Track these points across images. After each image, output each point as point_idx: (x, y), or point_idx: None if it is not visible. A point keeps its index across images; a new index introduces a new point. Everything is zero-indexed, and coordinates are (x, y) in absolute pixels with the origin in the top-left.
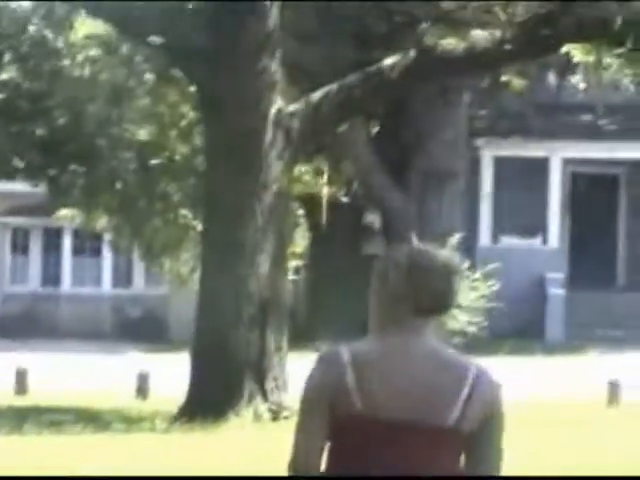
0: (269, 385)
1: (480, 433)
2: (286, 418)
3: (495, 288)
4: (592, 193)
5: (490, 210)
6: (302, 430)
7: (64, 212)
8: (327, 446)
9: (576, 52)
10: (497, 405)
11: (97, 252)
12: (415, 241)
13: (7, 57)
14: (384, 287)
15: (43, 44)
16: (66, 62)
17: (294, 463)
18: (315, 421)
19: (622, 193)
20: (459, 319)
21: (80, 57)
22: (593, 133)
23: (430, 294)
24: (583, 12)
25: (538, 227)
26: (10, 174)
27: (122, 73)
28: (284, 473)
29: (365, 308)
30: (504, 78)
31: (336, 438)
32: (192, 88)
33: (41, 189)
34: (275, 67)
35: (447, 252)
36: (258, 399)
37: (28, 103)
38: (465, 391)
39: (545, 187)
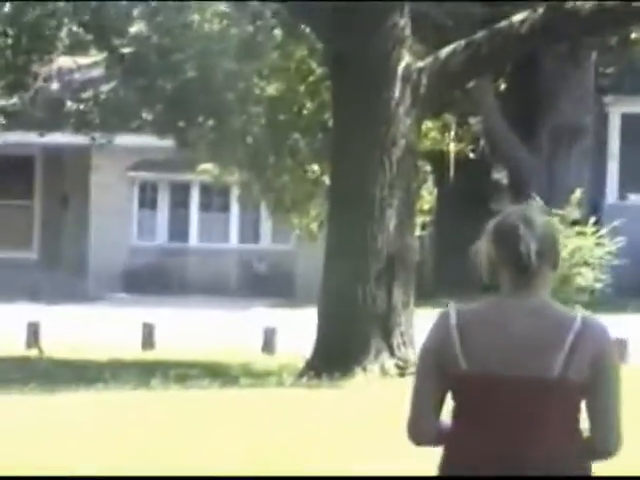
0: (396, 341)
1: (593, 385)
2: (413, 374)
3: (621, 245)
4: None
5: (617, 167)
6: (415, 393)
7: (196, 167)
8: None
9: None
10: (607, 355)
11: (225, 207)
12: (534, 200)
13: (136, 12)
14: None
15: None
16: (195, 16)
17: (408, 427)
18: (427, 384)
19: None
20: (585, 276)
21: (209, 12)
22: None
23: (518, 255)
24: None
25: None
26: (139, 128)
27: (251, 28)
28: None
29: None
30: (634, 35)
31: (453, 398)
32: (320, 44)
33: (169, 143)
34: (403, 23)
35: (539, 214)
36: (385, 355)
37: (157, 57)
38: (568, 341)
39: None
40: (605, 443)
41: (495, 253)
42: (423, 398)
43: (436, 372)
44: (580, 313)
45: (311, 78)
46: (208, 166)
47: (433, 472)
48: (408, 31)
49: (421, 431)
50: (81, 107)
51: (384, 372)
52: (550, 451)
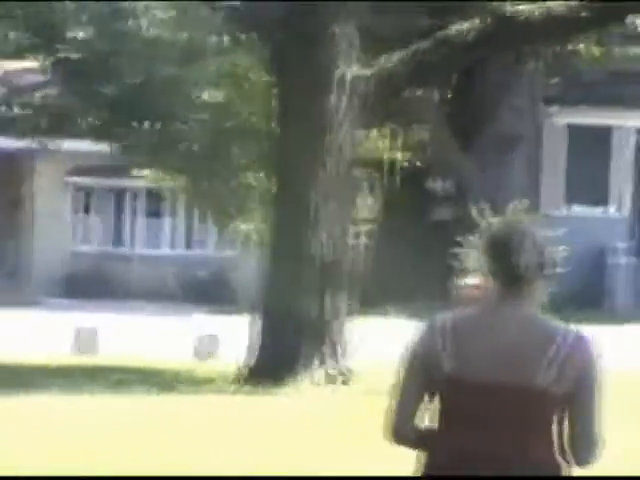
0: (327, 350)
1: (575, 396)
2: (344, 383)
3: (564, 255)
4: None
5: (560, 177)
6: (400, 395)
7: (137, 172)
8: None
9: None
10: (592, 369)
11: (166, 213)
12: (483, 209)
13: (79, 17)
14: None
15: (116, 4)
16: (137, 22)
17: (390, 427)
18: (413, 388)
19: None
20: None
21: (152, 17)
22: None
23: (509, 267)
24: None
25: (607, 196)
26: (80, 133)
27: (195, 34)
28: (321, 435)
29: (432, 272)
30: (578, 46)
31: (440, 401)
32: (266, 52)
33: (108, 148)
34: (349, 33)
35: (531, 225)
36: (315, 363)
37: (99, 62)
38: (555, 353)
39: (615, 156)
40: (587, 452)
41: (487, 263)
42: (407, 400)
43: (422, 376)
44: (565, 327)
45: (256, 86)
46: (148, 172)
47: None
48: (354, 41)
49: (403, 432)
50: (25, 111)
51: (313, 382)
52: (533, 456)
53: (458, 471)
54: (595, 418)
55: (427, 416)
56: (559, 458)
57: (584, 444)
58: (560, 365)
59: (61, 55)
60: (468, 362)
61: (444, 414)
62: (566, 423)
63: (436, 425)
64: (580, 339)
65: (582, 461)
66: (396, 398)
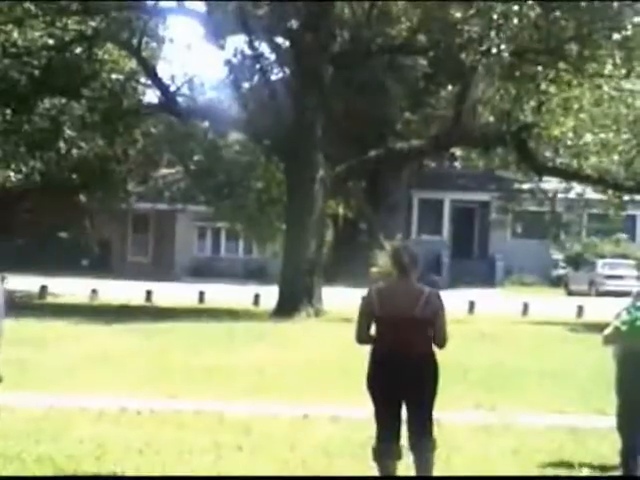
0: (314, 301)
1: (434, 320)
2: (319, 315)
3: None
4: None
5: (416, 222)
6: (359, 320)
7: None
8: (374, 329)
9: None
10: (440, 306)
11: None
12: (383, 239)
13: None
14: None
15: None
16: None
17: (357, 337)
18: (364, 317)
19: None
20: None
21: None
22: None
23: (400, 263)
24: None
25: (438, 230)
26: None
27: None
28: (324, 342)
29: (359, 265)
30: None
31: (376, 325)
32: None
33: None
34: (319, 157)
35: (405, 243)
36: (309, 306)
37: None
38: (422, 300)
39: (441, 213)
40: (441, 344)
41: (392, 262)
42: (362, 323)
43: (367, 312)
44: (428, 288)
45: (277, 178)
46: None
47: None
48: (321, 159)
49: (364, 337)
50: None
51: (307, 314)
52: (418, 345)
53: (387, 355)
54: (444, 328)
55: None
56: (431, 345)
57: (439, 340)
58: (425, 305)
59: None
60: (385, 307)
61: (377, 329)
62: (430, 330)
63: (375, 335)
64: (434, 293)
65: (439, 347)
66: (358, 322)
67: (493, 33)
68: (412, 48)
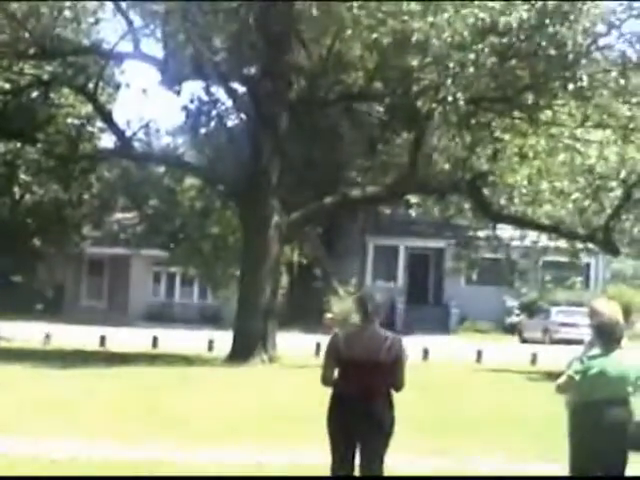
0: (268, 347)
1: (396, 365)
2: (273, 362)
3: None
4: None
5: (371, 269)
6: (325, 363)
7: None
8: (337, 371)
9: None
10: (400, 351)
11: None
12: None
13: None
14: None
15: None
16: None
17: (322, 379)
18: (330, 360)
19: None
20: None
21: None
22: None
23: (365, 309)
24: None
25: (393, 276)
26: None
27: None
28: (279, 388)
29: (312, 310)
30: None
31: (339, 368)
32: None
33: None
34: (275, 202)
35: (370, 291)
36: (262, 352)
37: None
38: (386, 345)
39: (396, 259)
40: (400, 386)
41: (356, 308)
42: (328, 365)
43: (333, 355)
44: (390, 334)
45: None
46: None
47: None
48: (276, 204)
49: (328, 380)
50: None
51: (261, 360)
52: (379, 388)
53: (348, 396)
54: (402, 374)
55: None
56: (390, 389)
57: (398, 384)
58: (388, 350)
59: None
60: (351, 350)
61: (340, 371)
62: (391, 374)
63: (338, 377)
64: (397, 339)
65: (397, 390)
66: (324, 364)
67: (449, 81)
68: (368, 95)
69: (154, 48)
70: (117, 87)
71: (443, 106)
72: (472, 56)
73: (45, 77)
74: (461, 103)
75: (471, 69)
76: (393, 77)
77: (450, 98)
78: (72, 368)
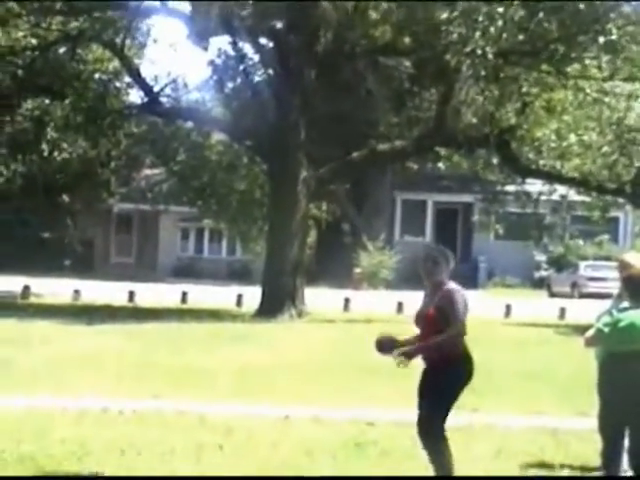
0: (297, 302)
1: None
2: (301, 316)
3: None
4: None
5: (399, 224)
6: (464, 319)
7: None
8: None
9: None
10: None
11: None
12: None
13: None
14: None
15: None
16: None
17: (463, 332)
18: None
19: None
20: (384, 272)
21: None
22: None
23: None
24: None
25: (421, 231)
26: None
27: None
28: (303, 338)
29: (342, 266)
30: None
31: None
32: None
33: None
34: (302, 158)
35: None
36: (292, 307)
37: None
38: (439, 294)
39: (424, 214)
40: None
41: (424, 265)
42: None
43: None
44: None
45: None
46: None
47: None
48: (304, 161)
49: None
50: None
51: (291, 316)
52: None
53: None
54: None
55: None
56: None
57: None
58: (441, 298)
59: None
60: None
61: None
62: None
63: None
64: (450, 288)
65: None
66: (464, 321)
67: (477, 34)
68: (396, 49)
69: (182, 3)
70: (145, 42)
71: (471, 60)
72: (500, 9)
73: (73, 32)
74: (489, 56)
75: (499, 22)
76: (421, 31)
77: (479, 51)
78: (101, 324)
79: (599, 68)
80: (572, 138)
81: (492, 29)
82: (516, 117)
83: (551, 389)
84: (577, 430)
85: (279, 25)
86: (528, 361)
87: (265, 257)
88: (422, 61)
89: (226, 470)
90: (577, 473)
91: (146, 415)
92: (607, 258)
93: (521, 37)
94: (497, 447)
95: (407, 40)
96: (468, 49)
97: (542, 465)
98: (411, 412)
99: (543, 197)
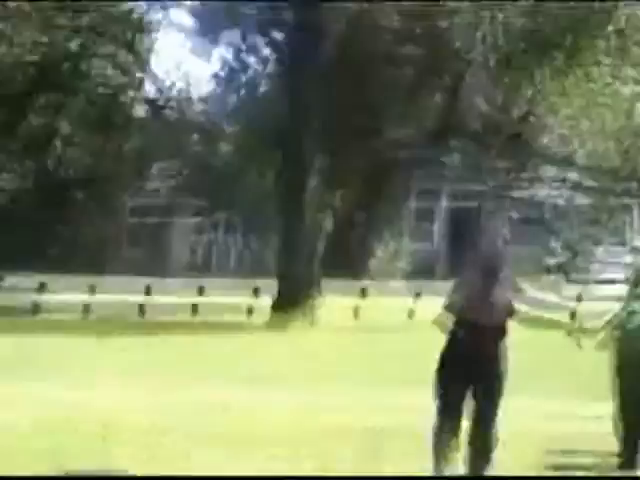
0: (314, 291)
1: None
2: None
3: None
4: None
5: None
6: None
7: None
8: None
9: None
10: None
11: None
12: None
13: None
14: None
15: None
16: None
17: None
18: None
19: None
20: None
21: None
22: None
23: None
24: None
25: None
26: None
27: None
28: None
29: (357, 256)
30: None
31: None
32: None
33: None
34: (316, 146)
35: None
36: (309, 297)
37: None
38: None
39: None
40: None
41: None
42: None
43: None
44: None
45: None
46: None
47: None
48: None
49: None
50: None
51: (310, 305)
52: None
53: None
54: None
55: None
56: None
57: None
58: None
59: None
60: None
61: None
62: None
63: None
64: None
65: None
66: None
67: (487, 20)
68: (408, 39)
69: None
70: (155, 38)
71: (483, 46)
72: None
73: (83, 27)
74: (500, 43)
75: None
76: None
77: (489, 39)
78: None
79: (608, 55)
80: (585, 124)
81: (502, 15)
82: (528, 104)
83: (569, 375)
84: (597, 414)
85: (290, 16)
86: (543, 346)
87: (280, 248)
88: (434, 49)
89: None
90: (597, 457)
91: None
92: (622, 243)
93: (531, 25)
94: (515, 430)
95: (418, 30)
96: (479, 35)
97: (562, 450)
98: None
99: (556, 183)
